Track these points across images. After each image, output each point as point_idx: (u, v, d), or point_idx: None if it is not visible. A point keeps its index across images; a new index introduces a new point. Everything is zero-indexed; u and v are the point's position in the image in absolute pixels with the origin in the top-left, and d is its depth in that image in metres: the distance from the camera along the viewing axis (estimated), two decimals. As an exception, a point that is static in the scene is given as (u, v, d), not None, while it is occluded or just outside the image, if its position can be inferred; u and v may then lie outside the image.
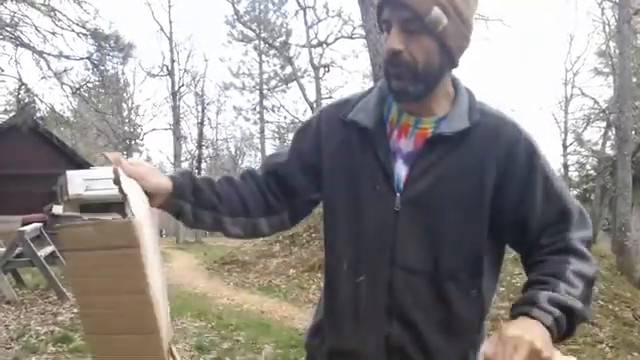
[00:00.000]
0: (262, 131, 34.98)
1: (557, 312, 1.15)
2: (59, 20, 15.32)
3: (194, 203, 1.37)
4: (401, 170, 1.33)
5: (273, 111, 34.84)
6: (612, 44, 20.15)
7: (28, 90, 17.09)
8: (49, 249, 8.01)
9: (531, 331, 1.09)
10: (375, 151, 1.34)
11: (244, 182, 1.45)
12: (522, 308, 1.17)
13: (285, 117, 34.50)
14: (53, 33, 15.40)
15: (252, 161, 44.38)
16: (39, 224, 8.52)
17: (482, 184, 1.29)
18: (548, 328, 1.12)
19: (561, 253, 1.26)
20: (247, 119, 36.65)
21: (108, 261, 1.01)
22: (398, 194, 1.31)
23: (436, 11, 1.22)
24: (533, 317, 1.13)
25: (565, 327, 1.16)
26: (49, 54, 15.88)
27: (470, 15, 1.30)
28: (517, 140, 1.31)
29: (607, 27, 22.12)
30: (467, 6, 1.28)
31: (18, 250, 7.49)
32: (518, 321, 1.14)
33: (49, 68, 16.14)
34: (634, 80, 15.34)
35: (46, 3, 15.14)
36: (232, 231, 1.42)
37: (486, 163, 1.29)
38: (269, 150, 35.77)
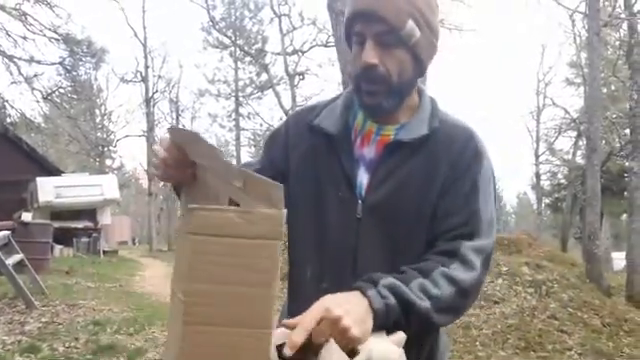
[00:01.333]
0: (238, 138, 34.90)
1: (392, 300, 1.13)
2: (30, 24, 15.14)
3: None
4: (363, 177, 1.34)
5: (249, 118, 34.84)
6: (583, 55, 20.51)
7: (-2, 95, 16.82)
8: (17, 257, 7.87)
9: (343, 302, 1.08)
10: (339, 158, 1.36)
11: None
12: (361, 284, 1.15)
13: (261, 124, 34.50)
14: (24, 37, 15.20)
15: (227, 168, 44.14)
16: (7, 232, 8.35)
17: (434, 188, 1.30)
18: (376, 311, 1.10)
19: (444, 255, 1.25)
20: (222, 126, 36.57)
21: (241, 251, 0.96)
22: (360, 201, 1.32)
23: (410, 24, 1.24)
24: (365, 295, 1.12)
25: (400, 319, 1.13)
26: (20, 59, 15.68)
27: (436, 23, 1.32)
28: (467, 143, 1.33)
29: (578, 38, 22.56)
30: (434, 15, 1.30)
31: (-15, 258, 7.34)
32: (344, 293, 1.12)
33: (20, 73, 15.94)
34: (604, 91, 15.67)
35: (17, 7, 14.94)
36: None
37: (439, 167, 1.31)
38: (245, 157, 35.69)
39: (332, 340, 1.03)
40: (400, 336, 1.10)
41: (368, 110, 1.34)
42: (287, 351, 1.00)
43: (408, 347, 1.11)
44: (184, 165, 1.23)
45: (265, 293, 0.96)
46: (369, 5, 1.24)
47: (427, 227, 1.30)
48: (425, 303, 1.16)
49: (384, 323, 1.11)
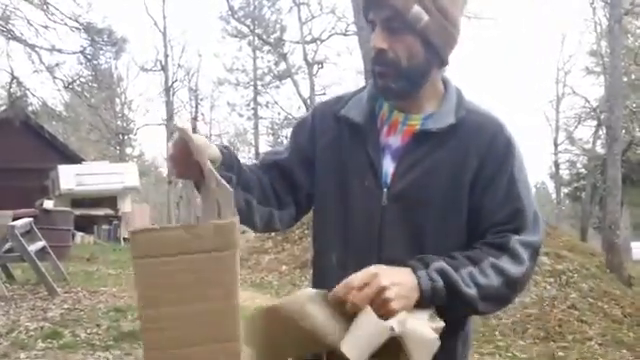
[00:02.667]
0: (256, 127, 34.98)
1: (440, 283, 1.16)
2: (52, 14, 15.21)
3: (237, 180, 1.33)
4: (389, 166, 1.35)
5: (267, 107, 34.87)
6: (603, 44, 20.24)
7: (20, 84, 16.97)
8: (40, 244, 7.98)
9: (393, 274, 1.11)
10: (365, 146, 1.37)
11: (260, 173, 1.44)
12: (414, 262, 1.19)
13: (279, 113, 34.53)
14: (45, 27, 15.28)
15: (246, 157, 44.28)
16: (30, 219, 8.46)
17: (464, 178, 1.31)
18: (423, 292, 1.13)
19: (494, 247, 1.26)
20: (241, 115, 36.63)
21: (194, 266, 0.92)
22: (385, 189, 1.33)
23: (416, 8, 1.25)
24: (415, 274, 1.15)
25: (444, 302, 1.16)
26: (41, 48, 15.78)
27: (456, 12, 1.32)
28: (498, 134, 1.34)
29: (598, 27, 22.26)
30: (451, 3, 1.30)
31: (8, 245, 7.45)
32: (396, 267, 1.16)
33: (41, 62, 16.05)
34: (624, 80, 15.40)
35: (39, -4, 15.05)
36: (255, 218, 1.40)
37: (469, 157, 1.31)
38: (263, 146, 35.77)
39: (369, 308, 1.03)
40: (439, 324, 1.11)
41: (380, 91, 1.36)
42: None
43: (447, 331, 1.13)
44: (191, 163, 1.22)
45: (226, 305, 0.94)
46: None
47: (460, 219, 1.31)
48: (472, 290, 1.19)
49: (429, 304, 1.14)
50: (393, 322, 1.02)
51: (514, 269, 1.24)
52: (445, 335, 1.14)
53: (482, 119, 1.36)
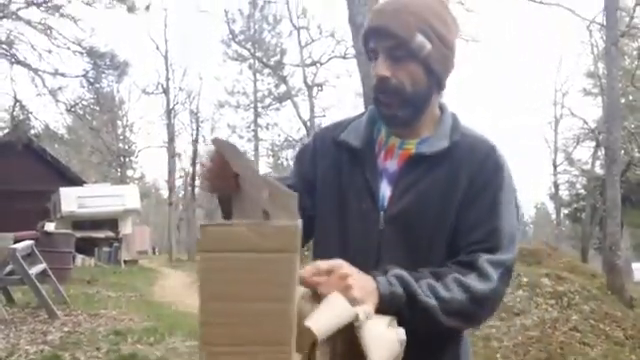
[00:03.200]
0: (256, 149, 35.03)
1: (398, 289, 1.17)
2: (55, 38, 15.36)
3: None
4: (386, 189, 1.39)
5: (267, 129, 34.99)
6: (600, 65, 20.35)
7: (23, 107, 17.04)
8: (41, 267, 7.95)
9: (356, 271, 1.14)
10: (363, 171, 1.41)
11: None
12: (373, 272, 1.20)
13: (279, 135, 34.65)
14: (49, 51, 15.42)
15: (246, 179, 44.24)
16: (31, 242, 8.46)
17: (454, 198, 1.34)
18: (381, 296, 1.15)
19: (461, 265, 1.27)
20: (241, 137, 36.68)
21: (255, 265, 0.93)
22: (382, 212, 1.37)
23: (419, 37, 1.30)
24: (375, 279, 1.17)
25: (404, 310, 1.17)
26: (44, 71, 15.88)
27: (452, 39, 1.37)
28: (489, 155, 1.37)
29: (595, 49, 22.39)
30: (448, 31, 1.36)
31: (9, 268, 7.44)
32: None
33: (44, 85, 16.13)
34: (622, 101, 15.47)
35: (42, 21, 15.20)
36: None
37: (460, 177, 1.34)
38: (263, 167, 35.80)
39: (337, 292, 1.06)
40: (400, 331, 1.10)
41: (385, 120, 1.40)
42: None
43: (428, 352, 1.15)
44: (228, 175, 1.28)
45: (283, 308, 0.93)
46: (379, 22, 1.33)
47: (448, 238, 1.33)
48: (432, 301, 1.20)
49: (388, 309, 1.15)
50: (360, 310, 1.04)
51: (480, 285, 1.24)
52: (441, 352, 1.18)
53: (475, 141, 1.39)
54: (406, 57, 1.31)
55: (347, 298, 1.06)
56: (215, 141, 1.31)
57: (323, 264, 1.13)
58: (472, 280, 1.24)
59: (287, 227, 0.94)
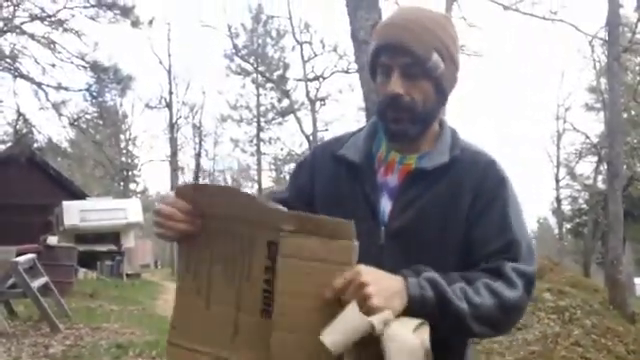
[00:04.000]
0: (259, 163, 35.09)
1: (429, 292, 1.16)
2: (59, 52, 15.47)
3: None
4: (386, 205, 1.39)
5: (270, 143, 35.07)
6: (602, 80, 20.41)
7: (26, 121, 17.12)
8: (42, 280, 7.94)
9: (378, 275, 1.14)
10: (362, 186, 1.42)
11: None
12: (405, 271, 1.20)
13: (282, 149, 34.72)
14: (52, 65, 15.52)
15: (249, 192, 44.16)
16: (33, 255, 8.46)
17: (458, 214, 1.35)
18: (411, 297, 1.14)
19: (488, 272, 1.27)
20: (244, 151, 36.77)
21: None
22: (383, 227, 1.37)
23: (436, 57, 1.32)
24: (405, 281, 1.17)
25: (435, 313, 1.15)
26: (48, 85, 15.98)
27: (458, 55, 1.40)
28: (490, 169, 1.38)
29: (597, 64, 22.47)
30: (456, 48, 1.39)
31: (11, 281, 7.43)
32: (389, 274, 1.18)
33: (47, 99, 16.23)
34: (624, 116, 15.50)
35: (46, 35, 15.31)
36: None
37: (463, 193, 1.35)
38: (266, 182, 35.84)
39: (355, 303, 1.07)
40: (425, 336, 1.10)
41: (391, 135, 1.40)
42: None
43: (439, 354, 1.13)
44: (193, 217, 1.27)
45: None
46: (396, 38, 1.32)
47: (453, 254, 1.34)
48: (463, 305, 1.19)
49: (418, 313, 1.14)
50: (375, 319, 1.05)
51: (508, 293, 1.24)
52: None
53: (475, 156, 1.40)
54: (420, 75, 1.33)
55: (366, 307, 1.07)
56: (180, 188, 1.31)
57: (339, 279, 1.10)
58: (501, 287, 1.24)
59: (346, 245, 1.10)
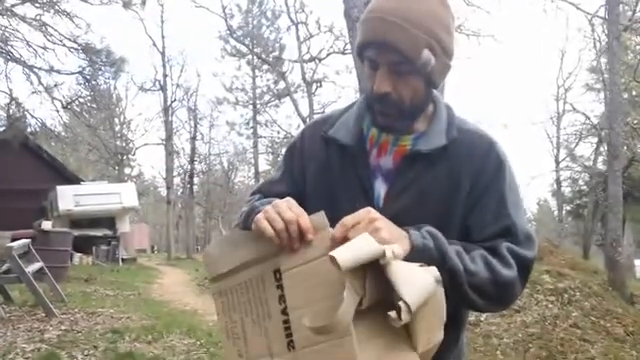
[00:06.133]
0: (255, 146, 35.01)
1: (431, 243, 1.16)
2: (50, 35, 15.27)
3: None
4: (381, 188, 1.35)
5: (266, 126, 34.91)
6: (603, 60, 20.26)
7: (19, 105, 16.97)
8: (37, 265, 7.94)
9: (388, 220, 1.13)
10: (355, 169, 1.37)
11: None
12: (408, 227, 1.18)
13: (278, 132, 34.56)
14: (44, 48, 15.33)
15: (245, 176, 44.28)
16: (28, 240, 8.43)
17: (457, 199, 1.30)
18: (414, 246, 1.13)
19: (484, 249, 1.25)
20: (240, 134, 36.69)
21: (316, 269, 1.09)
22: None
23: (426, 54, 1.23)
24: (408, 232, 1.16)
25: (434, 263, 1.11)
26: (40, 69, 15.79)
27: (452, 43, 1.31)
28: (489, 152, 1.33)
29: (597, 43, 22.30)
30: (450, 37, 1.30)
31: (5, 266, 7.42)
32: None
33: (40, 83, 16.05)
34: (625, 96, 15.42)
35: (37, 18, 15.10)
36: None
37: (461, 179, 1.31)
38: (262, 165, 35.80)
39: (367, 233, 1.06)
40: (434, 270, 1.08)
41: (380, 128, 1.36)
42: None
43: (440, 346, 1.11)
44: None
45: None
46: (384, 36, 1.23)
47: (450, 239, 1.27)
48: (459, 265, 1.18)
49: (419, 262, 1.10)
50: (387, 247, 1.03)
51: (503, 270, 1.22)
52: (439, 352, 1.12)
53: (473, 137, 1.35)
54: (409, 72, 1.26)
55: (376, 239, 1.04)
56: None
57: (349, 219, 1.09)
58: (493, 261, 1.23)
59: (326, 235, 1.09)
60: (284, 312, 1.13)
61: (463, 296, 1.20)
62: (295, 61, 28.52)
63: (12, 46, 15.25)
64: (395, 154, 1.35)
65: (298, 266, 1.10)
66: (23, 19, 14.87)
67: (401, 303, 0.99)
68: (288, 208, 1.13)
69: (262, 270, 1.16)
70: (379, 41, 1.24)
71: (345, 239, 1.05)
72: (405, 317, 0.99)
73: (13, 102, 16.64)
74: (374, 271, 1.03)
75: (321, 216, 1.09)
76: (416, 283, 1.02)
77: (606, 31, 12.02)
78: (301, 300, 1.10)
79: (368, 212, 1.11)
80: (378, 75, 1.27)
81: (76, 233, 14.41)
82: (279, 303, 1.14)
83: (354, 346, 1.00)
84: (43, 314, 7.16)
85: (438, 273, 1.07)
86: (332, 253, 0.99)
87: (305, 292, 1.09)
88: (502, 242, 1.26)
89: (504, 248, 1.25)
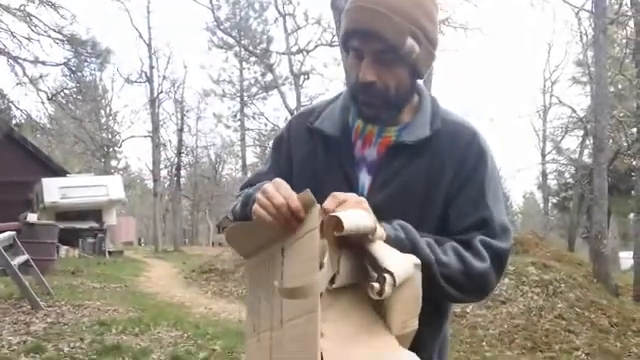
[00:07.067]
0: (243, 138, 34.94)
1: (402, 234, 1.18)
2: (35, 26, 15.12)
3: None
4: (365, 179, 1.36)
5: (254, 118, 34.88)
6: (589, 53, 20.37)
7: (3, 96, 16.81)
8: (23, 258, 7.88)
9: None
10: (339, 160, 1.37)
11: None
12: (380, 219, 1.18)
13: (265, 124, 34.55)
14: (29, 39, 15.19)
15: (233, 168, 44.24)
16: (13, 232, 8.36)
17: (439, 190, 1.31)
18: (388, 238, 1.14)
19: (458, 242, 1.26)
20: (227, 126, 36.63)
21: (308, 243, 1.09)
22: None
23: (410, 42, 1.24)
24: (380, 225, 1.15)
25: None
26: (25, 60, 15.64)
27: (436, 32, 1.32)
28: (471, 143, 1.34)
29: (584, 37, 22.42)
30: (434, 26, 1.30)
31: (-9, 259, 7.34)
32: None
33: (25, 74, 15.90)
34: (611, 89, 15.54)
35: (22, 8, 14.93)
36: None
37: (444, 169, 1.32)
38: (250, 157, 35.77)
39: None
40: (413, 257, 1.11)
41: (365, 118, 1.36)
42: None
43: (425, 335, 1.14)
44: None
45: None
46: (368, 24, 1.24)
47: (432, 230, 1.29)
48: (431, 256, 1.19)
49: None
50: (378, 226, 1.09)
51: (475, 262, 1.23)
52: (422, 341, 1.14)
53: (457, 128, 1.35)
54: (394, 60, 1.26)
55: (362, 209, 1.09)
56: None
57: (339, 194, 1.12)
58: (466, 254, 1.24)
59: (316, 211, 1.08)
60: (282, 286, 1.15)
61: (437, 287, 1.20)
62: (283, 53, 28.44)
63: (-4, 37, 15.08)
64: (379, 145, 1.36)
65: (294, 243, 1.12)
66: (7, 9, 14.71)
67: (387, 275, 1.01)
68: (277, 192, 1.15)
69: (275, 249, 1.19)
70: (363, 30, 1.24)
71: (332, 210, 1.09)
72: (388, 290, 1.01)
73: (-2, 93, 16.48)
74: (347, 254, 1.06)
75: (307, 193, 1.10)
76: (398, 261, 1.05)
77: (593, 24, 12.07)
78: (291, 274, 1.12)
79: (353, 195, 1.14)
80: (363, 64, 1.27)
81: (62, 226, 14.30)
82: (281, 279, 1.15)
83: (318, 323, 1.00)
84: (29, 307, 7.10)
85: (417, 259, 1.10)
86: (336, 213, 1.02)
87: (296, 267, 1.10)
88: (476, 235, 1.27)
89: (478, 241, 1.26)
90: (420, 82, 1.39)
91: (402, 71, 1.28)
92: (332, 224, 1.02)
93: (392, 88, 1.28)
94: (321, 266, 1.02)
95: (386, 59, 1.26)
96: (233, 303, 9.93)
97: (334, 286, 1.04)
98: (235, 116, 35.31)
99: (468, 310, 7.55)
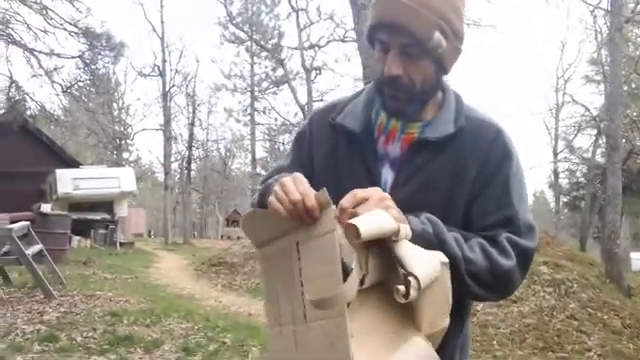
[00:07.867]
0: (253, 133, 34.99)
1: (429, 229, 1.17)
2: (51, 18, 15.22)
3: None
4: (388, 175, 1.35)
5: (264, 113, 34.92)
6: (604, 52, 20.19)
7: (18, 88, 16.93)
8: (37, 247, 7.93)
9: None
10: (362, 156, 1.36)
11: None
12: (407, 214, 1.17)
13: (276, 119, 34.56)
14: (44, 31, 15.29)
15: (242, 162, 44.30)
16: (27, 222, 8.42)
17: (463, 187, 1.30)
18: (414, 232, 1.12)
19: (483, 238, 1.25)
20: (238, 120, 36.66)
21: (326, 243, 1.08)
22: None
23: (437, 36, 1.23)
24: (406, 217, 1.15)
25: (433, 250, 1.13)
26: (40, 52, 15.76)
27: (462, 27, 1.31)
28: (495, 140, 1.33)
29: (599, 35, 22.25)
30: (461, 21, 1.29)
31: (5, 248, 7.40)
32: None
33: (40, 66, 16.04)
34: (625, 88, 15.39)
35: (38, 1, 15.02)
36: None
37: (468, 167, 1.30)
38: (259, 152, 35.80)
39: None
40: (441, 254, 1.11)
41: (390, 112, 1.35)
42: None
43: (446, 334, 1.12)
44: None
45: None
46: (395, 18, 1.23)
47: (455, 227, 1.28)
48: (457, 251, 1.18)
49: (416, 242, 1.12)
50: (402, 225, 1.05)
51: (501, 260, 1.22)
52: (445, 338, 1.13)
53: (481, 125, 1.34)
54: (420, 55, 1.25)
55: (384, 207, 1.07)
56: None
57: (359, 191, 1.10)
58: (494, 252, 1.23)
59: (331, 212, 1.07)
60: (302, 284, 1.14)
61: (461, 284, 1.19)
62: (295, 48, 28.44)
63: (13, 29, 15.20)
64: (403, 141, 1.35)
65: (310, 240, 1.10)
66: (23, 2, 14.81)
67: (411, 278, 1.00)
68: (295, 187, 1.13)
69: (289, 241, 1.17)
70: (390, 23, 1.23)
71: (353, 213, 1.06)
72: (413, 293, 1.00)
73: (13, 85, 16.59)
74: (375, 251, 1.04)
75: (324, 192, 1.08)
76: (425, 262, 1.03)
77: (608, 23, 11.97)
78: (311, 274, 1.11)
79: (377, 190, 1.12)
80: (389, 58, 1.26)
81: (75, 216, 14.41)
82: (299, 275, 1.14)
83: (347, 326, 1.00)
84: (42, 296, 7.16)
85: (445, 257, 1.09)
86: (352, 221, 1.00)
87: (313, 267, 1.09)
88: (502, 232, 1.25)
89: (504, 238, 1.25)
90: (445, 78, 1.38)
91: (428, 65, 1.26)
92: (351, 231, 1.00)
93: (417, 82, 1.27)
94: (350, 271, 1.01)
95: (412, 53, 1.24)
96: (242, 296, 9.96)
97: (364, 287, 1.03)
98: (245, 110, 35.37)
99: (479, 308, 7.52)
